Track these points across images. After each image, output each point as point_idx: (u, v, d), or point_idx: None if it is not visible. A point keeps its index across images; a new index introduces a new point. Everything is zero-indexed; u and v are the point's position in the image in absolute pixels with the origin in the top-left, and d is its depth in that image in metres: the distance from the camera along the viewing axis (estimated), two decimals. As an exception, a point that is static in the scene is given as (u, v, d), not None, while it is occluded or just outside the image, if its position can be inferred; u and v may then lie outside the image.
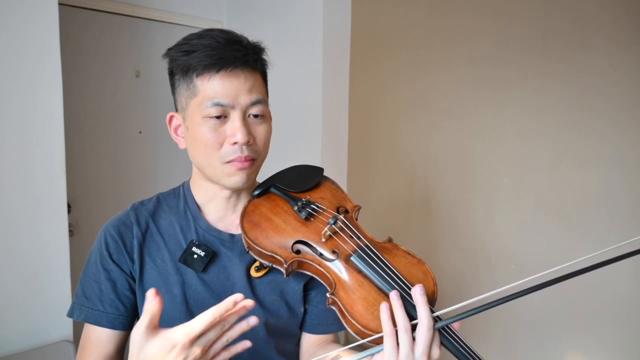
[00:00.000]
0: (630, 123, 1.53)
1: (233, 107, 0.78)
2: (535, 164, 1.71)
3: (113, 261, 0.85)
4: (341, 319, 0.73)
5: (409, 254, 0.80)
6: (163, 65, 0.85)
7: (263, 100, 0.81)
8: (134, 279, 0.86)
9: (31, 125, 1.67)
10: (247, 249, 0.83)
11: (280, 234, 0.81)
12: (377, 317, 0.69)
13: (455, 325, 0.70)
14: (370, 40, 2.35)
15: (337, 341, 0.96)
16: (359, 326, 0.70)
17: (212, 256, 0.86)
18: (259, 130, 0.82)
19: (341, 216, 0.82)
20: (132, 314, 0.87)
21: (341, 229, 0.80)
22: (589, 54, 1.55)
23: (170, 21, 2.56)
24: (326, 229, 0.79)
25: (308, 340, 0.95)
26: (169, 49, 0.82)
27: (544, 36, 1.67)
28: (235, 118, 0.79)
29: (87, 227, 2.35)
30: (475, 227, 1.94)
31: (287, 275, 0.78)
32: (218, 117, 0.78)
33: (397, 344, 0.65)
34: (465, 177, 1.96)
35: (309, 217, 0.83)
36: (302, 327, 0.94)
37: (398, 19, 2.22)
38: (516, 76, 1.75)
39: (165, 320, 0.83)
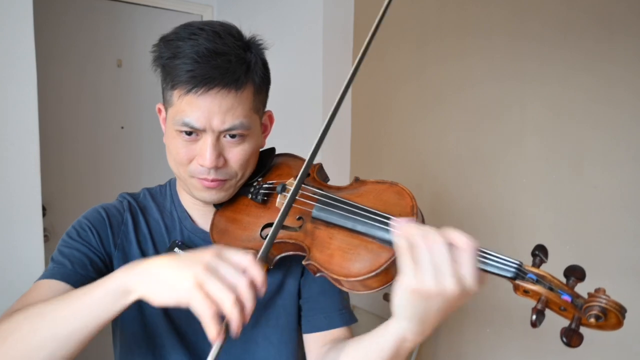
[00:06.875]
0: (661, 118, 1.52)
1: (204, 130, 0.79)
2: (557, 163, 1.70)
3: (94, 234, 0.87)
4: (333, 282, 0.74)
5: (379, 182, 0.82)
6: (147, 54, 0.84)
7: (241, 125, 0.80)
8: (109, 261, 0.87)
9: (3, 120, 1.66)
10: None
11: (249, 229, 0.85)
12: (358, 260, 0.71)
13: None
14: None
15: (351, 336, 0.90)
16: (343, 278, 0.70)
17: None
18: (234, 151, 0.82)
19: (290, 180, 0.85)
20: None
21: (299, 194, 0.82)
22: (614, 43, 1.54)
23: (156, 5, 2.55)
24: (278, 199, 0.83)
25: (314, 340, 0.90)
26: (161, 39, 0.81)
27: (565, 24, 1.66)
28: (206, 139, 0.79)
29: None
30: (491, 232, 1.93)
31: (272, 266, 0.82)
32: (189, 134, 0.79)
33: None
34: (480, 178, 1.95)
35: (264, 199, 0.87)
36: (304, 329, 0.93)
37: (406, 7, 2.21)
38: (535, 68, 1.73)
39: (145, 324, 0.87)
